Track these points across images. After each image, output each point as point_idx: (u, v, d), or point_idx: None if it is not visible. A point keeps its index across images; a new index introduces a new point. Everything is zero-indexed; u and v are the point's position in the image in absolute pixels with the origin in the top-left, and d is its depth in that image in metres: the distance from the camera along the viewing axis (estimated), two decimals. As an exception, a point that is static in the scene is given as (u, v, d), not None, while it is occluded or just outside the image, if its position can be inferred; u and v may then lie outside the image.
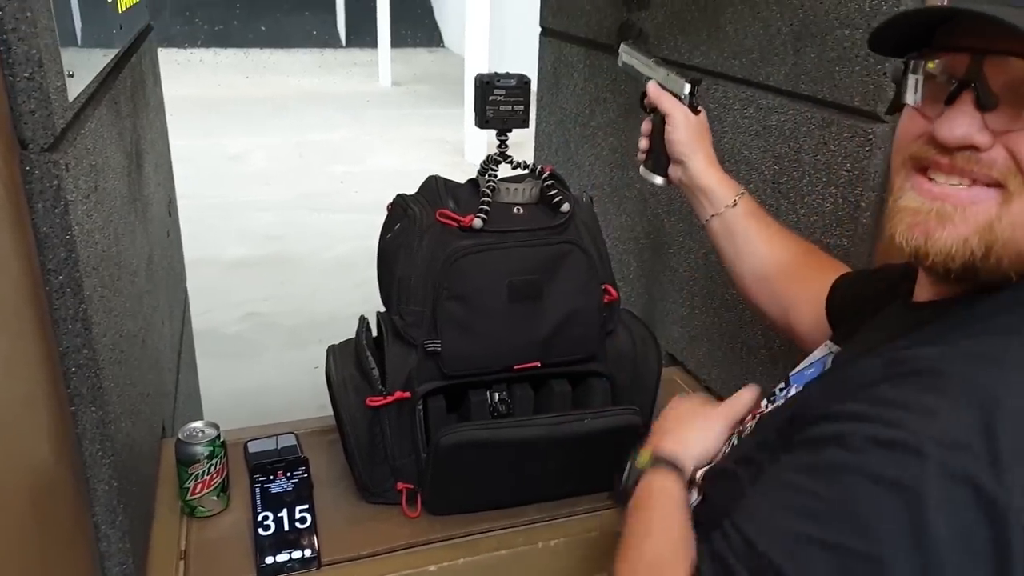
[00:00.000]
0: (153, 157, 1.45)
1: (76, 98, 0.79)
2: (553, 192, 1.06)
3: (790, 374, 0.77)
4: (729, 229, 0.98)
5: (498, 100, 1.01)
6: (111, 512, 0.83)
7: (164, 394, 1.30)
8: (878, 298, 0.73)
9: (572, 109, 1.77)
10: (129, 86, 1.22)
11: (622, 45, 1.14)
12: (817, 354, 0.72)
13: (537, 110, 1.96)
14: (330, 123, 7.42)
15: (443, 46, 12.43)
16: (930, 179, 0.56)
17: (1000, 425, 0.45)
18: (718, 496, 0.66)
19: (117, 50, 1.11)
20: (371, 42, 10.45)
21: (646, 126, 1.06)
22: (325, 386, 1.09)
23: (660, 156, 1.02)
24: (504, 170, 1.09)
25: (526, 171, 1.10)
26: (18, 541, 0.63)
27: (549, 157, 1.92)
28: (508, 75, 1.02)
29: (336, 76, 9.95)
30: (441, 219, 1.02)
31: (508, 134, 1.05)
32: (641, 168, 1.07)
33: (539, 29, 1.90)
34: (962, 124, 0.53)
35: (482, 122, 1.02)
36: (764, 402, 0.77)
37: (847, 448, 0.49)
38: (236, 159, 6.11)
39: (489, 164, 1.07)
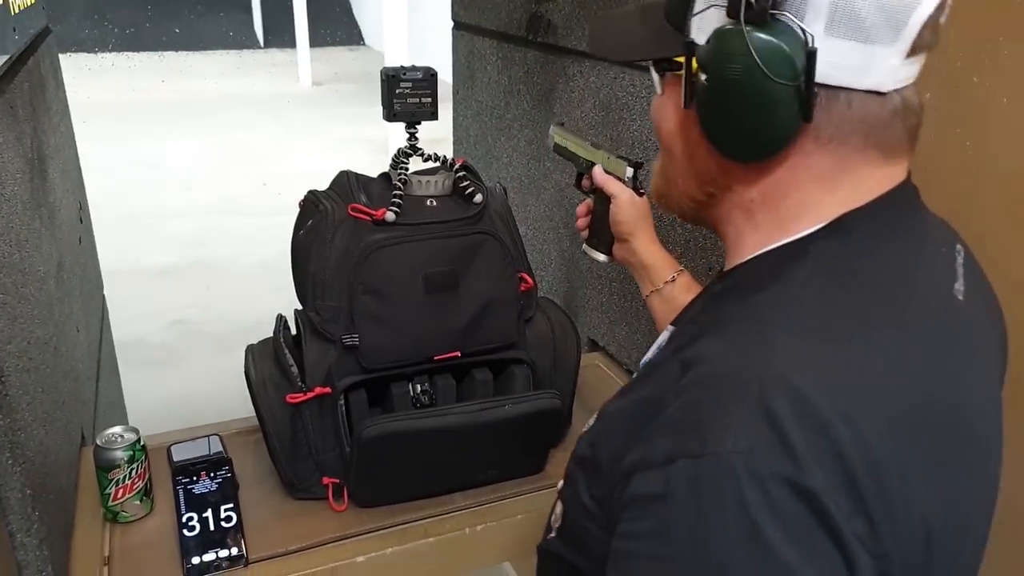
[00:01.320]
0: (59, 162, 1.41)
1: (-34, 102, 0.78)
2: (466, 183, 1.09)
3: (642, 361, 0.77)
4: (668, 303, 0.99)
5: (405, 93, 1.03)
6: (26, 520, 0.82)
7: (82, 401, 1.28)
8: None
9: (487, 102, 1.80)
10: (27, 90, 1.19)
11: (552, 127, 1.17)
12: (663, 337, 0.70)
13: (454, 104, 1.98)
14: (250, 125, 7.26)
15: (363, 44, 12.30)
16: None
17: (779, 412, 0.46)
18: (570, 492, 0.66)
19: (10, 54, 1.08)
20: (290, 42, 10.28)
21: (583, 207, 1.09)
22: None
23: (604, 235, 1.05)
24: (417, 164, 1.11)
25: (438, 163, 1.12)
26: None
27: (467, 150, 1.94)
28: (414, 68, 1.03)
29: (255, 77, 9.73)
30: (354, 213, 1.03)
31: (417, 127, 1.07)
32: (584, 245, 1.10)
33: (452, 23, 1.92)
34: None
35: (390, 115, 1.04)
36: None
37: (670, 497, 0.48)
38: (154, 165, 5.93)
39: (400, 157, 1.08)
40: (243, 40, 11.71)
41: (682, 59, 0.58)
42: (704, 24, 0.56)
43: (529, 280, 1.13)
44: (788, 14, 0.51)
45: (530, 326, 1.16)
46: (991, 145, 0.79)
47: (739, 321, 0.55)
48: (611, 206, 1.02)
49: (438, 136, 1.22)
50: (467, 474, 1.12)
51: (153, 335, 3.42)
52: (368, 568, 1.03)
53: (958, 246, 0.63)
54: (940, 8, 0.52)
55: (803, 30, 0.51)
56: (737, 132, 0.56)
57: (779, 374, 0.48)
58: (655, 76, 0.63)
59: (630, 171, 1.02)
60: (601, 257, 1.08)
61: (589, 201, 1.09)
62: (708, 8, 0.55)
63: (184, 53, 11.02)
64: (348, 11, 12.68)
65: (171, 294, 3.82)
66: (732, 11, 0.52)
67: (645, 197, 1.03)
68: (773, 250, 0.59)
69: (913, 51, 0.53)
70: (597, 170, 1.05)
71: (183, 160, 6.10)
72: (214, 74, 9.80)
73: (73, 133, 1.72)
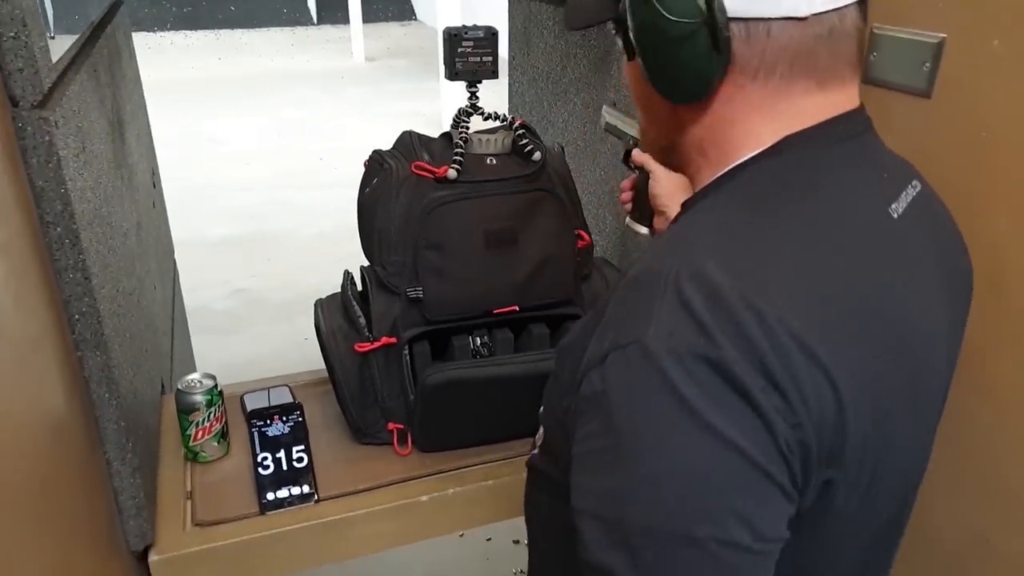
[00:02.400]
0: (134, 128, 1.48)
1: (59, 60, 0.83)
2: (525, 142, 1.11)
3: None
4: None
5: (467, 52, 1.06)
6: (121, 449, 0.88)
7: (161, 354, 1.35)
8: None
9: (543, 67, 1.81)
10: (106, 56, 1.25)
11: (604, 107, 1.22)
12: None
13: (509, 70, 2.00)
14: (306, 101, 7.38)
15: (415, 19, 12.32)
16: None
17: (690, 296, 0.50)
18: (545, 406, 0.71)
19: (92, 18, 1.14)
20: (343, 18, 10.35)
21: (627, 182, 1.12)
22: (315, 355, 1.14)
23: (645, 208, 1.09)
24: (478, 123, 1.14)
25: (499, 123, 1.15)
26: (37, 476, 0.68)
27: (523, 115, 1.96)
28: (476, 27, 1.06)
29: (309, 54, 9.86)
30: (417, 171, 1.07)
31: (478, 86, 1.10)
32: (627, 219, 1.14)
33: (508, -9, 1.94)
34: None
35: (452, 74, 1.07)
36: None
37: (608, 390, 0.52)
38: (214, 141, 6.09)
39: (461, 116, 1.11)
40: (297, 17, 11.84)
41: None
42: None
43: (586, 237, 1.16)
44: None
45: (586, 283, 1.19)
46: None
47: (673, 232, 0.60)
48: (650, 181, 1.06)
49: (492, 103, 1.24)
50: (524, 422, 1.14)
51: (217, 302, 3.55)
52: (431, 507, 1.08)
53: (915, 182, 0.64)
54: None
55: None
56: (670, 76, 0.59)
57: (693, 265, 0.52)
58: (618, 41, 0.65)
59: None
60: (643, 230, 1.11)
61: (634, 176, 1.12)
62: None
63: (239, 31, 11.22)
64: (400, -14, 12.70)
65: (233, 264, 3.94)
66: None
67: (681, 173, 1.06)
68: (719, 176, 0.61)
69: None
70: (639, 148, 1.08)
71: (241, 136, 6.24)
72: (269, 51, 9.96)
73: (145, 102, 1.80)
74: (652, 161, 1.06)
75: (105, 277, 0.90)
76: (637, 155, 1.10)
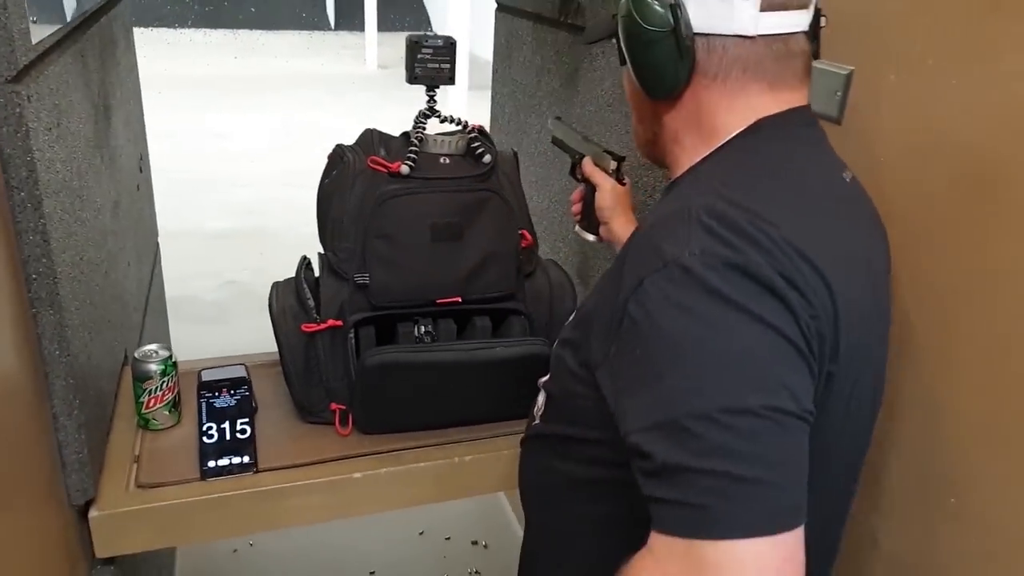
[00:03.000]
0: (123, 113, 1.56)
1: (40, 42, 0.91)
2: (477, 144, 1.18)
3: None
4: None
5: (426, 58, 1.13)
6: (67, 405, 0.95)
7: (129, 328, 1.42)
8: None
9: (522, 80, 1.89)
10: (97, 44, 1.33)
11: (551, 120, 1.32)
12: None
13: (493, 82, 2.08)
14: (316, 104, 7.49)
15: (431, 29, 12.48)
16: None
17: (711, 224, 0.62)
18: (555, 373, 0.82)
19: (84, 10, 1.22)
20: (360, 25, 10.50)
21: (576, 194, 1.23)
22: None
23: (592, 218, 1.19)
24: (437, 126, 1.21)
25: (457, 126, 1.22)
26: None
27: (503, 126, 2.03)
28: (436, 36, 1.13)
29: (324, 58, 10.00)
30: (372, 165, 1.14)
31: (436, 90, 1.17)
32: (576, 227, 1.24)
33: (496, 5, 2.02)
34: None
35: (411, 78, 1.14)
36: None
37: (648, 311, 0.62)
38: (221, 136, 6.19)
39: (419, 118, 1.18)
40: (315, 22, 12.02)
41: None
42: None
43: (528, 237, 1.22)
44: None
45: (530, 281, 1.26)
46: (940, 124, 0.84)
47: (675, 192, 0.75)
48: (596, 193, 1.15)
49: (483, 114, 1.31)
50: (461, 410, 1.22)
51: (207, 293, 3.63)
52: (363, 484, 1.14)
53: (847, 171, 0.77)
54: None
55: None
56: (649, 76, 0.74)
57: (704, 204, 0.64)
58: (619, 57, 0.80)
59: (613, 164, 1.16)
60: (590, 237, 1.21)
61: (582, 188, 1.21)
62: None
63: (258, 32, 11.39)
64: (418, -3, 12.88)
65: (227, 257, 4.02)
66: None
67: (628, 186, 1.17)
68: (704, 156, 0.75)
69: (769, 6, 0.68)
70: (586, 162, 1.18)
71: (249, 133, 6.34)
72: (285, 53, 10.11)
73: (140, 91, 1.88)
74: (598, 175, 1.16)
75: (67, 244, 0.97)
76: (586, 168, 1.18)
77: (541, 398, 0.86)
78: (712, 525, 0.56)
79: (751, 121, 0.72)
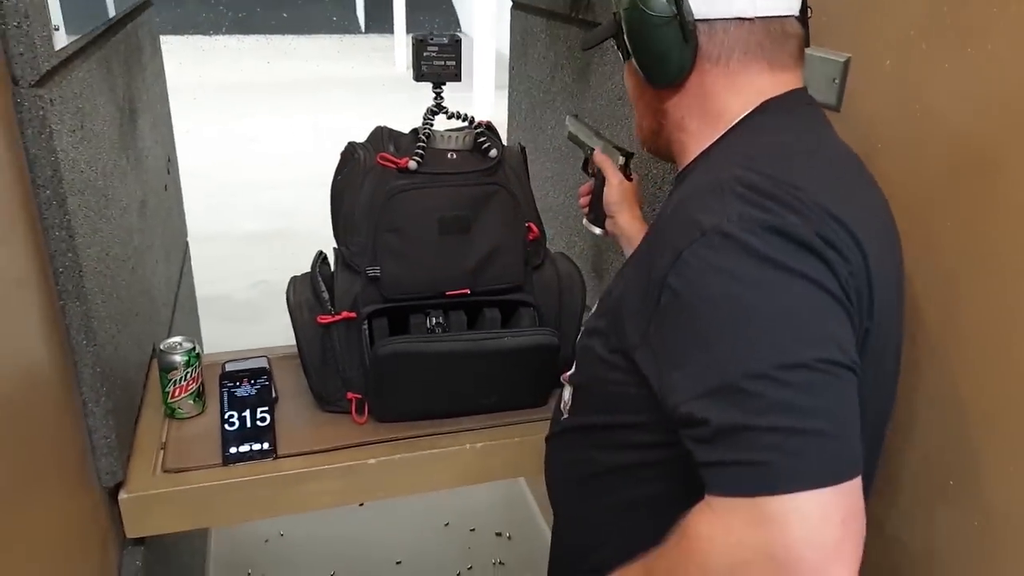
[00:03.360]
0: (149, 117, 1.62)
1: (63, 48, 0.96)
2: (483, 140, 1.22)
3: None
4: None
5: (432, 56, 1.16)
6: (95, 392, 1.00)
7: (157, 322, 1.48)
8: None
9: (536, 76, 1.91)
10: (122, 51, 1.39)
11: (568, 117, 1.35)
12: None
13: (510, 78, 2.11)
14: (346, 106, 7.61)
15: (460, 30, 12.55)
16: None
17: (743, 192, 0.65)
18: (583, 364, 0.84)
19: (108, 18, 1.28)
20: (390, 28, 10.61)
21: (585, 188, 1.26)
22: None
23: (599, 212, 1.22)
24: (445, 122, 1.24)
25: (464, 123, 1.25)
26: (11, 407, 0.79)
27: (520, 122, 2.06)
28: (441, 34, 1.17)
29: (354, 61, 10.13)
30: (381, 162, 1.17)
31: (443, 87, 1.20)
32: (584, 220, 1.27)
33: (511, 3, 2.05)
34: None
35: (418, 75, 1.18)
36: None
37: (688, 280, 0.64)
38: (254, 140, 6.31)
39: (427, 115, 1.22)
40: (346, 25, 12.18)
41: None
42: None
43: (535, 230, 1.25)
44: None
45: (538, 273, 1.28)
46: (934, 107, 0.85)
47: (696, 172, 0.77)
48: (604, 188, 1.18)
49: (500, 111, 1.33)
50: (472, 398, 1.25)
51: (238, 292, 3.72)
52: (378, 469, 1.18)
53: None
54: None
55: None
56: (654, 65, 0.77)
57: (734, 175, 0.67)
58: (621, 54, 0.84)
59: (622, 159, 1.19)
60: (597, 230, 1.24)
61: (590, 183, 1.24)
62: None
63: (290, 36, 11.57)
64: (447, -1, 12.97)
65: (259, 257, 4.11)
66: None
67: (635, 181, 1.21)
68: (715, 141, 0.78)
69: None
70: (597, 153, 1.21)
71: (281, 137, 6.46)
72: (316, 57, 10.27)
73: (167, 95, 1.95)
74: (609, 168, 1.18)
75: (93, 239, 1.02)
76: (596, 158, 1.21)
77: (567, 393, 0.88)
78: (776, 480, 0.57)
79: (756, 102, 0.75)
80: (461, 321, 1.24)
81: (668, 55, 0.75)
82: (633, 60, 0.79)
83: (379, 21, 11.84)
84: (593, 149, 1.24)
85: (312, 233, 4.47)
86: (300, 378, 1.33)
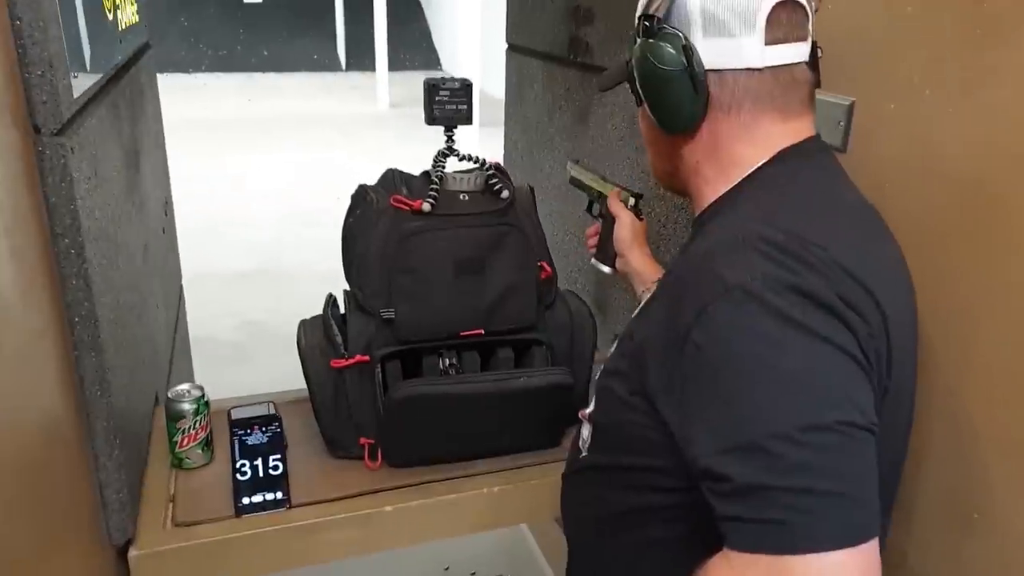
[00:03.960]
0: (150, 160, 1.61)
1: (80, 95, 0.95)
2: (495, 181, 1.22)
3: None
4: None
5: (444, 100, 1.17)
6: (108, 446, 0.98)
7: (159, 369, 1.45)
8: None
9: (534, 117, 1.93)
10: (128, 95, 1.38)
11: (569, 163, 1.39)
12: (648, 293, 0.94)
13: (505, 118, 2.13)
14: (329, 143, 7.62)
15: (440, 68, 12.69)
16: None
17: (767, 249, 0.65)
18: (603, 404, 0.84)
19: (116, 62, 1.28)
20: (370, 65, 10.70)
21: (592, 228, 1.31)
22: None
23: (608, 250, 1.26)
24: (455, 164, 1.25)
25: (473, 164, 1.26)
26: (30, 464, 0.77)
27: (515, 162, 2.08)
28: (453, 79, 1.17)
29: (336, 98, 10.18)
30: (395, 204, 1.17)
31: (454, 130, 1.21)
32: (592, 259, 1.32)
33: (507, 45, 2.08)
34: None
35: (430, 119, 1.18)
36: None
37: (711, 335, 0.65)
38: (237, 178, 6.30)
39: (439, 157, 1.22)
40: (326, 63, 12.26)
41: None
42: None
43: (548, 269, 1.25)
44: (672, 26, 0.76)
45: (550, 312, 1.28)
46: (939, 150, 0.87)
47: (715, 225, 0.77)
48: (615, 226, 1.23)
49: (493, 151, 1.36)
50: (487, 441, 1.23)
51: (225, 333, 3.67)
52: (395, 517, 1.15)
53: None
54: (783, 6, 0.73)
55: (681, 34, 0.75)
56: (666, 113, 0.79)
57: (755, 232, 0.68)
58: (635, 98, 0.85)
59: (632, 200, 1.24)
60: (606, 269, 1.28)
61: (597, 224, 1.29)
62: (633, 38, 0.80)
63: (271, 74, 11.62)
64: (427, 37, 13.12)
65: (245, 297, 4.07)
66: (640, 32, 0.78)
67: (644, 222, 1.25)
68: (735, 185, 0.79)
69: (773, 40, 0.73)
70: (612, 196, 1.26)
71: (265, 174, 6.46)
72: (297, 95, 10.31)
73: (164, 137, 1.94)
74: (622, 210, 1.23)
75: (107, 288, 1.00)
76: (611, 202, 1.26)
77: (586, 431, 0.88)
78: (796, 539, 0.58)
79: (771, 151, 0.77)
80: (475, 361, 1.23)
81: (680, 105, 0.77)
82: (646, 108, 0.81)
83: (359, 59, 11.94)
84: (600, 192, 1.30)
85: (298, 271, 4.48)
86: (306, 423, 1.30)
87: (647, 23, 0.77)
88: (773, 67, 0.75)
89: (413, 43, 12.63)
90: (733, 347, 0.63)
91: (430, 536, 1.22)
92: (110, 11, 1.25)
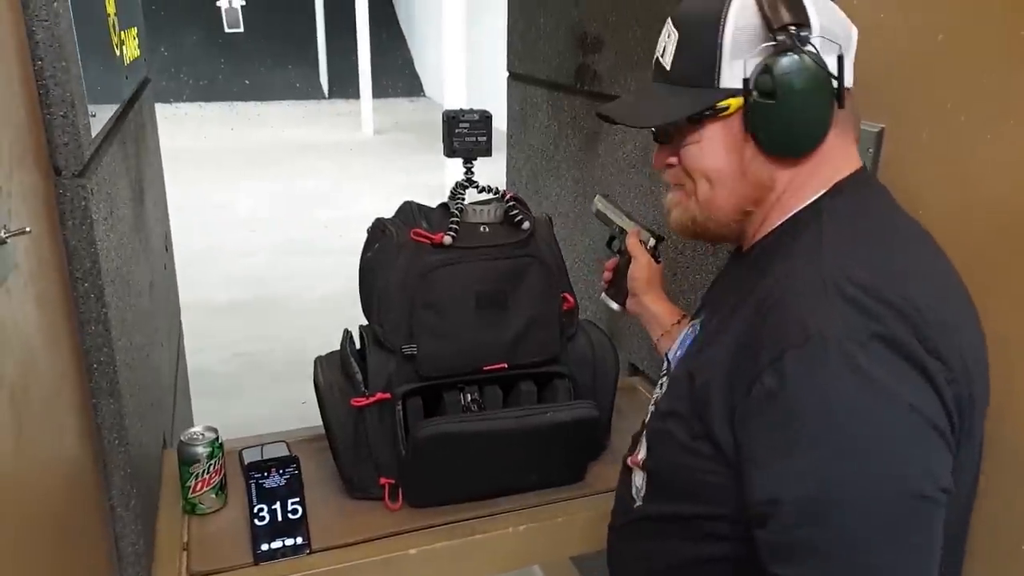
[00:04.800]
0: (152, 195, 1.57)
1: (97, 135, 0.93)
2: (515, 212, 1.20)
3: (667, 352, 0.94)
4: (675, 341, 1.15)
5: (463, 132, 1.15)
6: (125, 496, 0.94)
7: (164, 409, 1.41)
8: (717, 277, 0.97)
9: (538, 145, 1.92)
10: (133, 130, 1.36)
11: (598, 196, 1.38)
12: (686, 332, 0.89)
13: (508, 147, 2.12)
14: (314, 171, 7.60)
15: (424, 95, 12.74)
16: (666, 189, 0.88)
17: (853, 295, 0.63)
18: (659, 449, 0.81)
19: (124, 98, 1.25)
20: (353, 93, 10.73)
21: (610, 263, 1.29)
22: (312, 418, 1.20)
23: (621, 288, 1.24)
24: (472, 195, 1.23)
25: (492, 195, 1.24)
26: (52, 509, 0.73)
27: (519, 190, 2.06)
28: (472, 111, 1.16)
29: (320, 127, 10.18)
30: (415, 237, 1.15)
31: (473, 162, 1.19)
32: (603, 295, 1.29)
33: (508, 74, 2.07)
34: (657, 155, 0.85)
35: (450, 152, 1.16)
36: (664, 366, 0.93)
37: (787, 383, 0.62)
38: (222, 207, 6.24)
39: (458, 189, 1.20)
40: (309, 91, 12.27)
41: (728, 102, 0.75)
42: (738, 70, 0.73)
43: (571, 300, 1.23)
44: (814, 38, 0.71)
45: (572, 343, 1.26)
46: (976, 176, 0.86)
47: (787, 260, 0.73)
48: (631, 266, 1.20)
49: (491, 179, 1.34)
50: (511, 478, 1.20)
51: (217, 366, 3.61)
52: (419, 560, 1.12)
53: None
54: None
55: (839, 45, 0.71)
56: (799, 132, 0.74)
57: (840, 273, 0.65)
58: (686, 129, 0.79)
59: (653, 241, 1.22)
60: (615, 306, 1.27)
61: (615, 259, 1.27)
62: (750, 57, 0.73)
63: (253, 103, 11.61)
64: (410, 64, 13.19)
65: (235, 328, 4.01)
66: (782, 48, 0.71)
67: (662, 266, 1.23)
68: (792, 216, 0.77)
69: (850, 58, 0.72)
70: (631, 234, 1.24)
71: (250, 203, 6.41)
72: (281, 123, 10.29)
73: (162, 171, 1.91)
74: (640, 251, 1.21)
75: (122, 331, 0.97)
76: (630, 239, 1.24)
77: (640, 479, 0.84)
78: None
79: (832, 180, 0.75)
80: (497, 396, 1.20)
81: (822, 119, 0.73)
82: (759, 133, 0.74)
83: (342, 87, 11.97)
84: (622, 229, 1.28)
85: (287, 301, 4.43)
86: (323, 463, 1.27)
87: (781, 36, 0.70)
88: (850, 88, 0.74)
89: (396, 70, 12.70)
90: (805, 400, 0.61)
91: (455, 578, 1.18)
92: (117, 46, 1.22)
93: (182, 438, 1.16)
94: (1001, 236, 0.84)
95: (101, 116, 0.97)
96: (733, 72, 0.74)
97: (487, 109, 1.17)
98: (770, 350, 0.64)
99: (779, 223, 0.77)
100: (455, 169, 1.20)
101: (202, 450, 1.15)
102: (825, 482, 0.59)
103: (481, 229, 1.19)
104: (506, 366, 1.17)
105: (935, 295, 0.66)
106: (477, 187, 1.22)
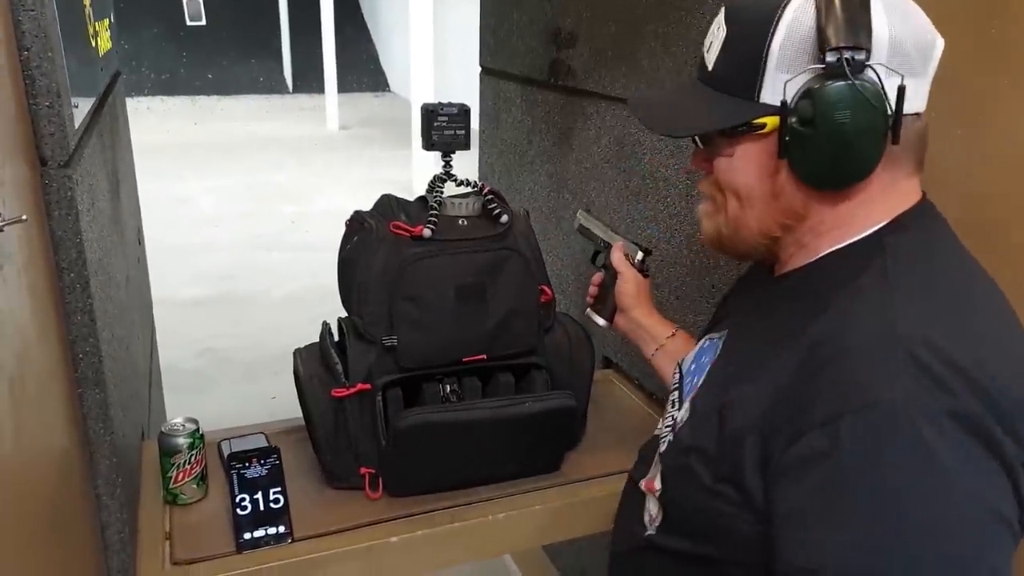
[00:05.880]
0: (126, 187, 1.57)
1: (79, 126, 0.93)
2: (493, 206, 1.22)
3: (680, 362, 0.91)
4: (671, 356, 1.13)
5: (442, 125, 1.17)
6: (110, 485, 0.94)
7: (142, 401, 1.41)
8: (737, 289, 0.93)
9: (511, 140, 1.95)
10: (108, 121, 1.35)
11: (580, 211, 1.38)
12: (703, 345, 0.85)
13: (480, 143, 2.14)
14: (279, 166, 7.52)
15: (389, 90, 12.67)
16: (700, 198, 0.82)
17: (926, 360, 0.57)
18: (679, 486, 0.76)
19: (100, 90, 1.25)
20: (318, 88, 10.64)
21: (596, 278, 1.27)
22: (282, 414, 1.20)
23: (608, 304, 1.23)
24: (450, 189, 1.25)
25: (470, 188, 1.26)
26: (44, 499, 0.74)
27: (492, 183, 2.08)
28: (450, 104, 1.18)
29: (284, 121, 10.08)
30: (394, 230, 1.17)
31: (452, 156, 1.21)
32: (588, 310, 1.28)
33: (480, 69, 2.09)
34: (694, 155, 0.79)
35: (428, 145, 1.18)
36: (674, 388, 0.89)
37: (840, 448, 0.58)
38: (186, 202, 6.16)
39: (436, 182, 1.22)
40: (273, 85, 12.13)
41: (765, 120, 0.68)
42: (779, 88, 0.66)
43: (548, 292, 1.26)
44: (875, 63, 0.63)
45: (549, 335, 1.28)
46: (945, 173, 0.90)
47: (850, 303, 0.65)
48: (618, 282, 1.20)
49: (463, 174, 1.36)
50: (490, 467, 1.23)
51: (185, 362, 3.57)
52: (400, 548, 1.14)
53: None
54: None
55: (900, 75, 0.63)
56: (840, 167, 0.66)
57: (914, 332, 0.59)
58: (720, 140, 0.73)
59: (640, 255, 1.22)
60: (601, 322, 1.26)
61: (600, 274, 1.27)
62: (796, 74, 0.66)
63: (216, 97, 11.45)
64: (375, 59, 13.11)
65: (202, 324, 3.98)
66: (831, 72, 0.63)
67: (648, 279, 1.22)
68: (845, 247, 0.70)
69: (928, 82, 0.67)
70: (615, 250, 1.23)
71: (214, 198, 6.33)
72: (244, 117, 10.16)
73: (134, 164, 1.89)
74: (625, 266, 1.21)
75: (105, 322, 0.97)
76: (614, 255, 1.23)
77: (654, 507, 0.80)
78: None
79: (894, 211, 0.69)
80: (475, 387, 1.23)
81: (866, 156, 0.64)
82: (795, 159, 0.67)
83: (306, 81, 11.85)
84: (609, 244, 1.27)
85: (253, 296, 4.40)
86: (302, 454, 1.28)
87: (832, 58, 0.63)
88: (919, 113, 0.67)
89: (360, 65, 12.61)
90: (861, 471, 0.56)
91: (434, 565, 1.20)
92: (93, 37, 1.22)
93: (163, 429, 1.16)
94: (973, 233, 0.88)
95: (82, 107, 0.97)
96: (775, 87, 0.66)
97: (465, 103, 1.19)
98: (824, 409, 0.59)
99: (826, 252, 0.71)
100: (422, 164, 1.22)
101: (183, 441, 1.15)
102: (876, 562, 0.55)
103: (460, 222, 1.21)
104: (485, 358, 1.20)
105: (1014, 363, 0.60)
106: (456, 180, 1.24)
